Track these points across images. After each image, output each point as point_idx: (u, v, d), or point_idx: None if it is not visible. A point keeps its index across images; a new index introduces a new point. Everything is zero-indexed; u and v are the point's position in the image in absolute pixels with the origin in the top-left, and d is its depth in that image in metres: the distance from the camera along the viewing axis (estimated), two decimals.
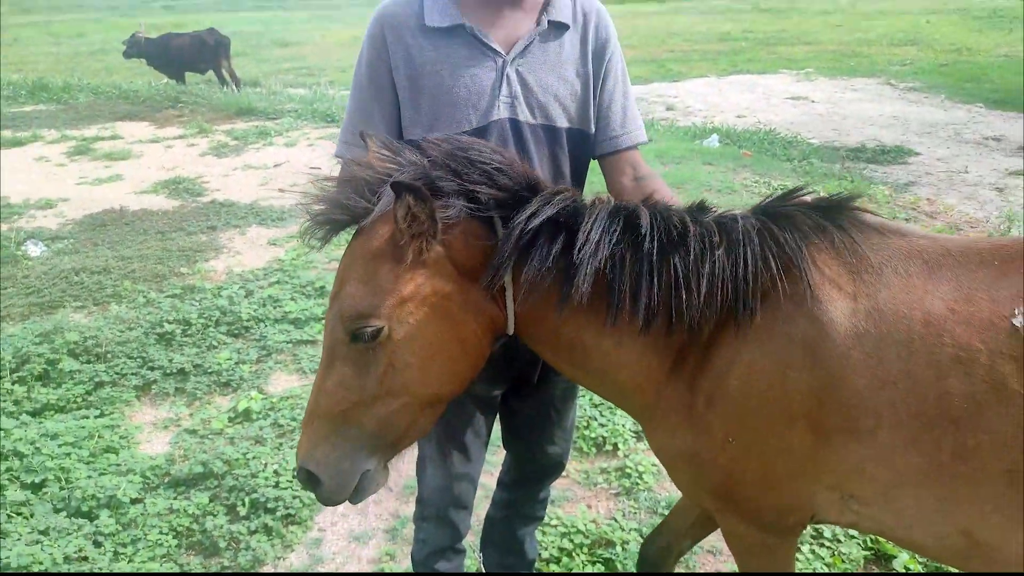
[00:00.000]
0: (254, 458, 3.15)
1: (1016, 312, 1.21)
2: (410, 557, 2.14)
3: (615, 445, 3.18)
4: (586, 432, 3.25)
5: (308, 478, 1.44)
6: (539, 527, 2.47)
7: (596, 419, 3.32)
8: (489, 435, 1.97)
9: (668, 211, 1.42)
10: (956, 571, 1.86)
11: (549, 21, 1.68)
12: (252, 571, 2.63)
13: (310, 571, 2.66)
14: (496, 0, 1.66)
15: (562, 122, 1.72)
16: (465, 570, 2.18)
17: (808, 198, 1.44)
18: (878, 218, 1.42)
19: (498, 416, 2.01)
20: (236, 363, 4.04)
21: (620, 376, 1.50)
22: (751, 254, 1.33)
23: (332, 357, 1.41)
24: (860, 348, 1.28)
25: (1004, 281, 1.25)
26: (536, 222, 1.35)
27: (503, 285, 1.42)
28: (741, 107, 11.91)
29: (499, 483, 2.23)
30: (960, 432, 1.22)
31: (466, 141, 1.44)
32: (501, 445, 2.15)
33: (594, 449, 3.19)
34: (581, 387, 1.94)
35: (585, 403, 3.41)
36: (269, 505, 2.87)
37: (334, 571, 2.66)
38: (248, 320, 4.49)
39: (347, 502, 1.47)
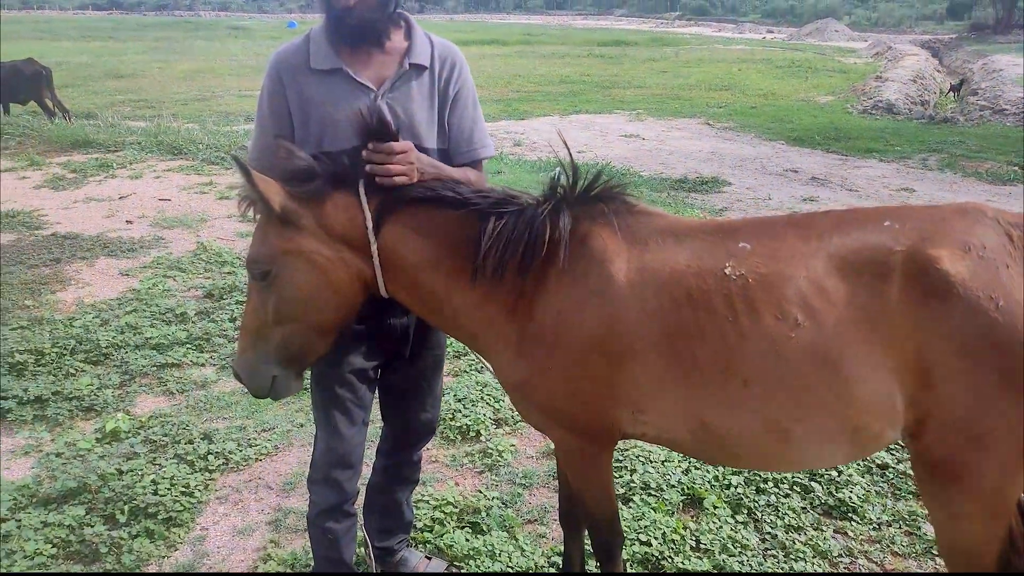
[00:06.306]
0: (129, 471, 3.22)
1: (727, 266, 1.73)
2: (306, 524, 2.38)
3: (478, 432, 3.56)
4: (452, 423, 3.60)
5: (236, 376, 1.96)
6: (414, 502, 2.79)
7: (460, 411, 3.68)
8: (370, 405, 2.27)
9: (492, 190, 1.91)
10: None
11: (410, 63, 2.06)
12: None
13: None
14: (366, 48, 2.03)
15: (429, 143, 2.09)
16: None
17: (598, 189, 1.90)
18: (642, 204, 1.93)
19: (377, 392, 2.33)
20: (98, 388, 4.03)
21: (465, 321, 1.93)
22: (551, 228, 1.80)
23: (249, 292, 1.93)
24: (631, 293, 1.76)
25: (721, 247, 1.78)
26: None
27: (370, 248, 1.84)
28: (581, 143, 12.88)
29: (379, 452, 2.52)
30: (692, 345, 1.72)
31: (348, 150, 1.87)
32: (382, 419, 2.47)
33: (459, 436, 3.55)
34: (445, 360, 2.32)
35: (450, 398, 3.78)
36: (150, 511, 2.98)
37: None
38: (107, 347, 4.46)
39: (271, 399, 2.01)
